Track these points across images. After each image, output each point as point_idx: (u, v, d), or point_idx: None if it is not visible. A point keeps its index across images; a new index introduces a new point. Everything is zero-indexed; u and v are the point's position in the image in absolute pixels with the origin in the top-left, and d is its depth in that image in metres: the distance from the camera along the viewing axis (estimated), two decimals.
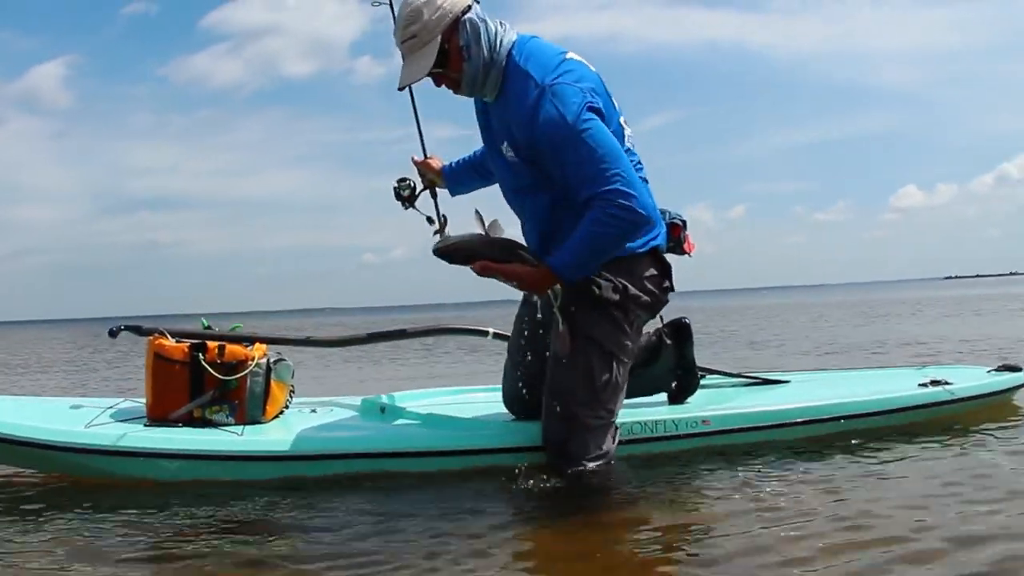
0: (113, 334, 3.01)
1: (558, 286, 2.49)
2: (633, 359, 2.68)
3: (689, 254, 2.78)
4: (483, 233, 2.49)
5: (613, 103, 2.59)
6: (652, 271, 2.63)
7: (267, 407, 2.88)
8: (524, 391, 2.82)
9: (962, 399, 3.32)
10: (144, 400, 2.85)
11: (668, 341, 3.08)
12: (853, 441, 2.98)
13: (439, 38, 2.47)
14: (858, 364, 6.77)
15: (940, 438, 3.06)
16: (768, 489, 2.48)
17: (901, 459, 2.81)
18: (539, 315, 2.72)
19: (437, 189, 3.09)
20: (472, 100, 2.70)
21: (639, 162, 2.61)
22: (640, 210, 2.41)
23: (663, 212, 2.71)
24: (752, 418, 2.96)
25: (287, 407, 3.04)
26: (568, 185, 2.46)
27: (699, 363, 3.15)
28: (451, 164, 3.08)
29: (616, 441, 2.64)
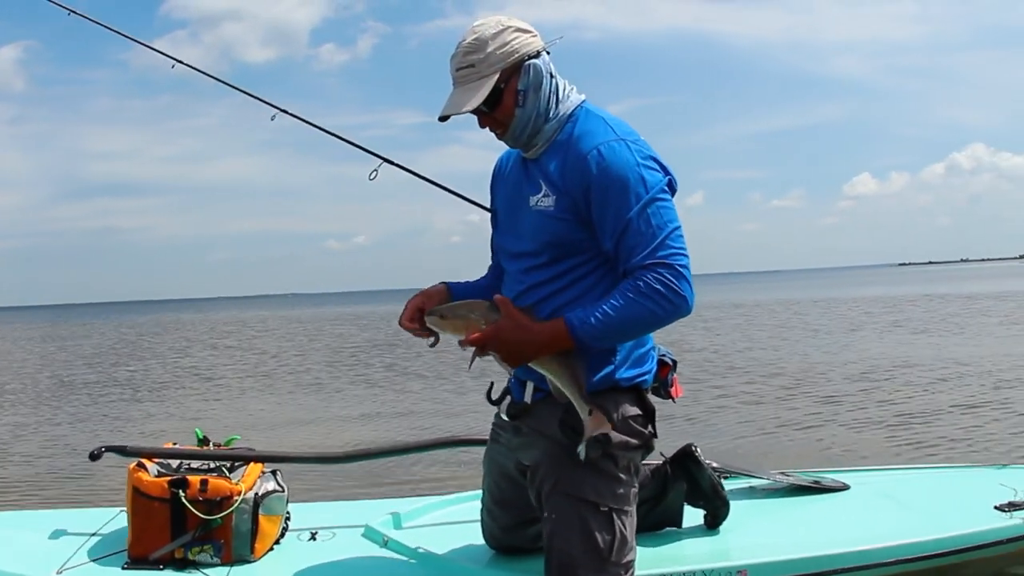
0: (94, 457, 2.78)
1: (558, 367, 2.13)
2: (637, 499, 2.34)
3: (674, 399, 2.43)
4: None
5: None
6: (635, 411, 2.26)
7: (256, 544, 2.64)
8: (503, 536, 2.62)
9: None
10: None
11: (671, 475, 2.83)
12: None
13: (497, 76, 2.17)
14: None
15: None
16: None
17: None
18: (507, 467, 2.46)
19: None
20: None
21: None
22: (688, 301, 2.07)
23: (653, 347, 2.39)
24: (798, 566, 2.60)
25: (284, 533, 2.82)
26: (615, 248, 2.11)
27: (741, 461, 2.82)
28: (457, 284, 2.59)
29: None
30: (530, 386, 2.31)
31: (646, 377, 2.30)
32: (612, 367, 2.22)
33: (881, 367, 9.86)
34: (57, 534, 2.75)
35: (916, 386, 8.30)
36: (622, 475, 2.25)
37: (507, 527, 2.58)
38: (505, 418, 2.40)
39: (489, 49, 2.17)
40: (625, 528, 2.26)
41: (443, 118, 2.24)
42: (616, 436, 2.20)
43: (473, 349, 2.14)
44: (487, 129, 2.27)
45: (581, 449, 2.15)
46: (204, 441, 2.91)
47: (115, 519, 2.85)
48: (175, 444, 2.90)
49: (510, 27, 2.21)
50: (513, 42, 2.19)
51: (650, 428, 2.29)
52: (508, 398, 2.40)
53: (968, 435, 5.90)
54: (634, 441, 2.25)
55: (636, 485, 2.31)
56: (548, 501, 2.27)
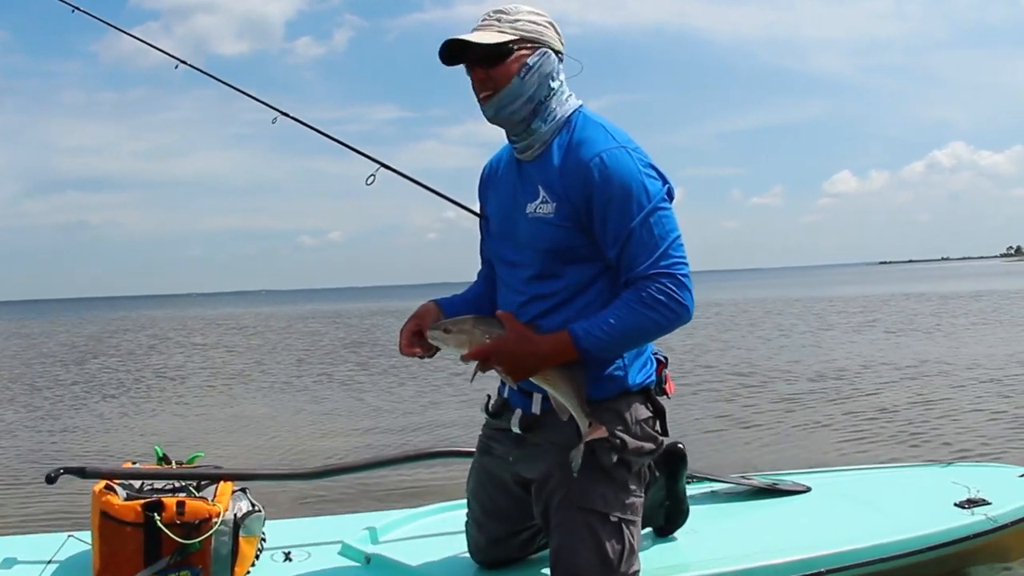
0: (51, 480, 2.61)
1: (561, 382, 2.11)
2: (643, 510, 2.31)
3: (669, 396, 2.40)
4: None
5: None
6: (647, 412, 2.25)
7: (235, 568, 2.55)
8: (491, 548, 2.55)
9: (1005, 525, 2.95)
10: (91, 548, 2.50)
11: (658, 473, 2.76)
12: None
13: (513, 38, 2.15)
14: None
15: None
16: None
17: None
18: (502, 474, 2.41)
19: None
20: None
21: None
22: (689, 310, 2.10)
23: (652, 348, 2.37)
24: (773, 572, 2.57)
25: (259, 556, 2.71)
26: (617, 257, 2.10)
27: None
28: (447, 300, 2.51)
29: None
30: (537, 397, 2.26)
31: (652, 378, 2.30)
32: (623, 372, 2.22)
33: (846, 368, 9.95)
34: (8, 563, 2.60)
35: (874, 386, 8.40)
36: (632, 484, 2.23)
37: (495, 539, 2.53)
38: (517, 430, 2.31)
39: (518, 16, 2.18)
40: (633, 538, 2.24)
41: (450, 46, 2.14)
42: (632, 442, 2.19)
43: (476, 363, 2.12)
44: (473, 89, 2.19)
45: (575, 454, 2.11)
46: (165, 459, 2.80)
47: (67, 544, 2.71)
48: (135, 463, 2.79)
49: (544, 16, 2.23)
50: (540, 26, 2.20)
51: (658, 429, 2.29)
52: (518, 411, 2.31)
53: (921, 433, 6.01)
54: (648, 446, 2.24)
55: (643, 495, 2.29)
56: (556, 513, 2.23)
